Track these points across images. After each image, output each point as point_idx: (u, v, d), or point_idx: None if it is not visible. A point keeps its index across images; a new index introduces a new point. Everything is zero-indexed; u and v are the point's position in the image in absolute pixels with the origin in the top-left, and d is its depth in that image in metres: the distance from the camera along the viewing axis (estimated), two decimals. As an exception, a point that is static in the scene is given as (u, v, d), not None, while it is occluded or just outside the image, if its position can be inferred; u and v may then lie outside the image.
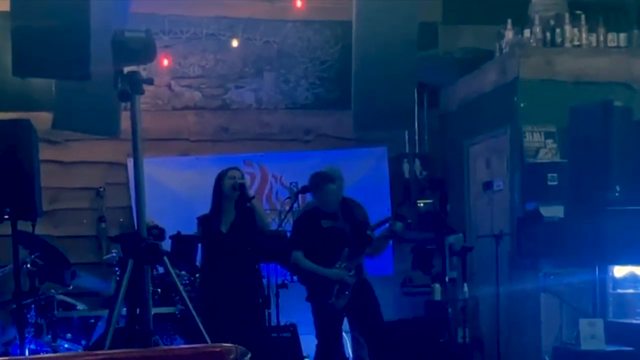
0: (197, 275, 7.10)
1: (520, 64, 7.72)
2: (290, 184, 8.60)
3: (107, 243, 8.37)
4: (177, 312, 6.94)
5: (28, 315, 6.67)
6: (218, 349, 3.37)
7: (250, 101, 9.15)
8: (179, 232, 7.28)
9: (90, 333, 7.12)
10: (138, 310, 4.62)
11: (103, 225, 8.57)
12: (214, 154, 8.76)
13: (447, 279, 7.56)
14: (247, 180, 7.48)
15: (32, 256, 6.73)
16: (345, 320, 6.90)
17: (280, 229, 7.48)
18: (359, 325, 6.87)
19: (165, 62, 8.78)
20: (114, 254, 7.27)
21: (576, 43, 7.84)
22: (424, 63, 8.19)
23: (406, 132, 9.12)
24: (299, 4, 8.78)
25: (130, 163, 7.56)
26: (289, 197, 8.25)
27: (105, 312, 7.02)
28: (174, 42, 8.85)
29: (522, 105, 7.72)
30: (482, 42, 8.60)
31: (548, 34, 7.85)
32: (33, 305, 6.75)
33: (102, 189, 8.61)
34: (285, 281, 7.56)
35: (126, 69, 4.38)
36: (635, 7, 8.43)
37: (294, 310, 7.32)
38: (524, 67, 7.72)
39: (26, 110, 7.68)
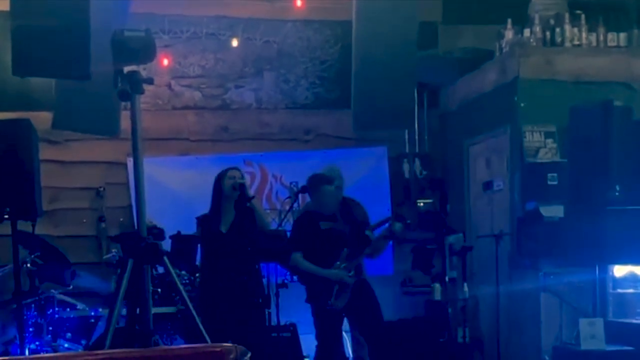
0: (197, 275, 7.09)
1: (520, 64, 7.72)
2: (290, 183, 8.60)
3: (107, 243, 8.38)
4: (177, 313, 6.94)
5: (28, 315, 6.67)
6: (218, 349, 3.37)
7: (250, 101, 9.15)
8: (179, 232, 7.28)
9: (90, 333, 7.12)
10: (138, 310, 4.62)
11: (103, 225, 8.57)
12: (213, 153, 8.76)
13: (447, 278, 7.56)
14: (247, 180, 7.48)
15: (32, 256, 6.72)
16: (346, 320, 6.90)
17: (280, 228, 7.48)
18: (359, 325, 6.87)
19: (165, 62, 8.78)
20: (114, 254, 7.27)
21: (576, 43, 7.84)
22: (424, 63, 8.19)
23: (406, 132, 9.12)
24: (299, 3, 8.78)
25: (130, 163, 7.56)
26: (289, 197, 8.25)
27: (105, 312, 7.03)
28: (174, 41, 8.85)
29: (522, 105, 7.72)
30: (482, 42, 8.60)
31: (548, 34, 7.85)
32: (33, 305, 6.74)
33: (102, 189, 8.60)
34: (285, 281, 7.56)
35: (126, 69, 4.38)
36: (635, 7, 8.43)
37: (294, 310, 7.32)
38: (524, 67, 7.72)
39: (26, 110, 7.68)
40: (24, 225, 6.14)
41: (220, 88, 9.08)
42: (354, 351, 7.26)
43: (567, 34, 7.81)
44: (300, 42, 9.17)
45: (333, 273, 6.60)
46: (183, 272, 7.16)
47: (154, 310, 4.93)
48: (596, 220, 6.68)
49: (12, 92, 8.11)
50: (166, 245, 6.54)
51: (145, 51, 4.38)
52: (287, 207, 7.83)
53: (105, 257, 7.52)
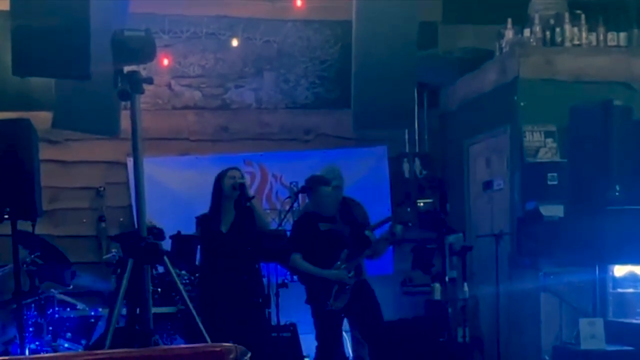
0: (197, 274, 7.09)
1: (520, 64, 7.72)
2: (290, 183, 8.61)
3: (107, 242, 8.38)
4: (177, 313, 6.94)
5: (28, 315, 6.67)
6: (218, 349, 3.37)
7: (250, 101, 9.14)
8: (179, 232, 7.28)
9: (90, 332, 7.12)
10: (138, 309, 4.62)
11: (103, 224, 8.57)
12: (213, 153, 8.76)
13: (447, 278, 7.55)
14: (247, 180, 7.48)
15: (32, 256, 6.72)
16: (346, 320, 6.90)
17: (280, 228, 7.48)
18: (359, 325, 6.87)
19: (165, 62, 8.78)
20: (114, 254, 7.27)
21: (576, 42, 7.84)
22: (424, 63, 8.18)
23: (406, 132, 9.12)
24: (299, 3, 8.77)
25: (130, 162, 7.58)
26: (289, 197, 8.26)
27: (105, 312, 7.03)
28: (174, 41, 8.85)
29: (522, 104, 7.72)
30: (482, 42, 8.60)
31: (548, 34, 7.85)
32: (33, 305, 6.74)
33: (102, 189, 8.60)
34: (285, 280, 7.56)
35: (126, 69, 4.38)
36: (635, 7, 8.42)
37: (294, 309, 7.32)
38: (524, 67, 7.72)
39: (26, 110, 7.68)
40: (24, 225, 6.14)
41: (220, 88, 9.08)
42: (354, 351, 7.26)
43: (567, 33, 7.81)
44: (300, 42, 9.17)
45: (332, 273, 6.60)
46: (183, 272, 7.16)
47: (154, 310, 4.92)
48: (596, 220, 6.68)
49: (12, 92, 8.11)
50: (166, 245, 6.54)
51: (145, 51, 4.38)
52: (287, 207, 7.83)
53: (105, 257, 7.52)
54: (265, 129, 9.10)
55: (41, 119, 7.29)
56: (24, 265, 6.56)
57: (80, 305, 7.23)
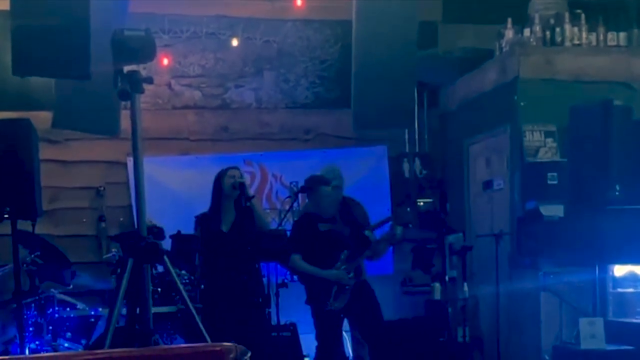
0: (196, 274, 7.09)
1: (520, 63, 7.72)
2: (290, 183, 8.60)
3: (107, 242, 8.37)
4: (177, 312, 6.94)
5: (28, 315, 6.66)
6: (218, 348, 3.37)
7: (250, 100, 9.14)
8: (179, 232, 7.27)
9: (90, 332, 7.11)
10: (138, 309, 4.62)
11: (103, 224, 8.56)
12: (213, 153, 8.76)
13: (447, 278, 7.56)
14: (247, 179, 7.48)
15: (32, 255, 6.72)
16: (346, 320, 6.90)
17: (280, 228, 7.48)
18: (359, 326, 6.87)
19: (165, 61, 8.77)
20: (114, 253, 7.26)
21: (576, 42, 7.84)
22: (424, 62, 8.18)
23: (406, 132, 9.12)
24: (298, 3, 8.77)
25: (130, 162, 7.58)
26: (289, 197, 8.25)
27: (105, 312, 7.03)
28: (174, 41, 8.85)
29: (522, 104, 7.72)
30: (482, 42, 8.60)
31: (548, 33, 7.86)
32: (33, 305, 6.74)
33: (102, 188, 8.60)
34: (286, 280, 7.56)
35: (126, 68, 4.38)
36: (635, 6, 8.42)
37: (294, 309, 7.32)
38: (524, 66, 7.72)
39: (26, 110, 7.68)
40: (24, 225, 6.14)
41: (220, 87, 9.08)
42: (354, 350, 7.26)
43: (567, 33, 7.82)
44: (300, 42, 9.17)
45: (332, 274, 6.60)
46: (183, 272, 7.15)
47: (154, 309, 4.92)
48: (596, 219, 6.68)
49: (12, 92, 8.11)
50: (166, 245, 6.53)
51: (145, 51, 4.38)
52: (287, 207, 7.83)
53: (105, 256, 7.51)
54: (265, 129, 9.09)
55: (41, 119, 7.29)
56: (24, 265, 6.55)
57: (80, 305, 7.23)
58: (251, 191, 7.16)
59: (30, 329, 6.67)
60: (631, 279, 7.22)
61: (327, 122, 9.13)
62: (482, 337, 8.24)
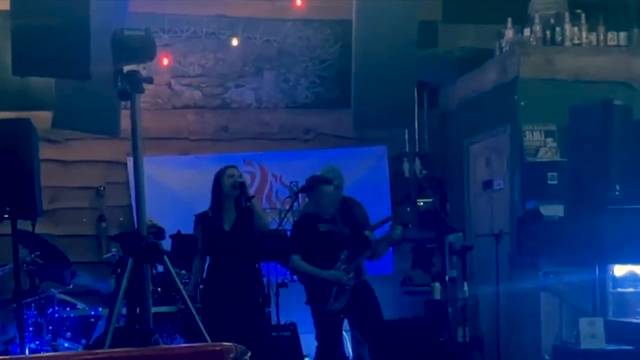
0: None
1: (520, 63, 7.72)
2: (290, 183, 8.60)
3: (107, 242, 8.38)
4: (177, 312, 6.94)
5: (28, 314, 6.67)
6: (218, 348, 3.36)
7: (250, 100, 9.14)
8: (179, 232, 7.27)
9: (90, 332, 7.12)
10: (138, 309, 4.62)
11: (103, 224, 8.57)
12: (213, 153, 8.76)
13: (447, 278, 7.56)
14: (247, 178, 7.48)
15: (32, 255, 6.73)
16: (346, 319, 6.90)
17: (280, 228, 7.48)
18: (360, 326, 6.87)
19: (165, 61, 8.78)
20: (114, 253, 7.27)
21: (576, 42, 7.84)
22: (424, 62, 8.18)
23: (406, 131, 9.12)
24: (298, 2, 8.77)
25: (130, 162, 7.58)
26: (289, 196, 8.25)
27: (105, 312, 7.03)
28: (174, 41, 8.85)
29: (522, 104, 7.72)
30: (482, 41, 8.60)
31: (548, 33, 7.85)
32: (33, 304, 6.74)
33: (102, 188, 8.60)
34: (286, 280, 7.56)
35: (126, 68, 4.38)
36: (635, 6, 8.42)
37: (294, 309, 7.32)
38: (524, 66, 7.72)
39: (26, 110, 7.68)
40: (24, 225, 6.14)
41: (220, 87, 9.08)
42: (354, 350, 7.26)
43: (567, 33, 7.82)
44: (300, 42, 9.17)
45: (331, 274, 6.59)
46: (183, 272, 7.16)
47: (154, 309, 4.92)
48: (596, 219, 6.68)
49: (12, 92, 8.11)
50: (166, 244, 6.54)
51: (145, 50, 4.38)
52: (287, 207, 7.83)
53: (105, 256, 7.52)
54: (265, 129, 9.10)
55: (41, 118, 7.29)
56: (24, 265, 6.56)
57: (80, 305, 7.23)
58: (251, 191, 7.16)
59: (30, 328, 6.67)
60: (631, 278, 7.22)
61: (327, 122, 9.13)
62: (482, 337, 8.24)
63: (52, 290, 6.97)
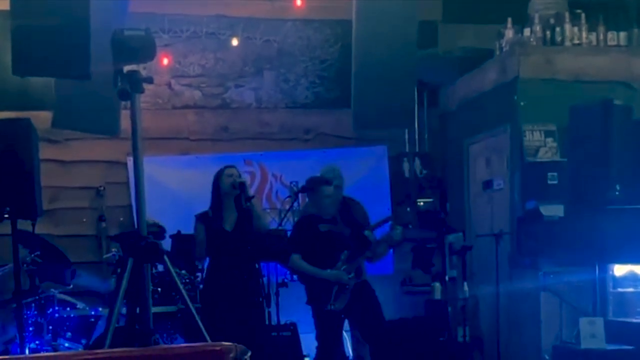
0: (197, 274, 7.09)
1: (520, 63, 7.72)
2: (290, 183, 8.60)
3: (107, 242, 8.37)
4: (177, 312, 6.94)
5: (28, 314, 6.67)
6: (218, 348, 3.36)
7: (250, 100, 9.14)
8: (179, 232, 7.27)
9: (90, 332, 7.12)
10: (138, 309, 4.62)
11: (103, 224, 8.57)
12: (213, 153, 8.76)
13: (447, 278, 7.56)
14: (247, 178, 7.47)
15: (32, 255, 6.72)
16: (346, 319, 6.90)
17: (280, 228, 7.48)
18: (360, 326, 6.87)
19: (165, 61, 8.78)
20: (114, 253, 7.26)
21: (576, 42, 7.84)
22: (424, 62, 8.19)
23: (406, 131, 9.12)
24: (298, 2, 8.77)
25: (130, 162, 7.58)
26: (289, 196, 8.25)
27: (105, 311, 7.03)
28: (174, 41, 8.85)
29: (522, 104, 7.72)
30: (482, 41, 8.60)
31: (548, 33, 7.85)
32: (33, 304, 6.74)
33: (102, 188, 8.60)
34: (286, 280, 7.56)
35: (126, 68, 4.37)
36: (635, 6, 8.43)
37: (294, 309, 7.32)
38: (524, 66, 7.72)
39: (26, 110, 7.68)
40: (24, 225, 6.14)
41: (220, 87, 9.08)
42: (354, 350, 7.27)
43: (567, 33, 7.82)
44: (300, 42, 9.17)
45: (332, 274, 6.59)
46: (183, 272, 7.16)
47: (154, 309, 4.92)
48: (596, 219, 6.68)
49: (12, 91, 8.11)
50: (166, 244, 6.53)
51: (145, 50, 4.37)
52: (287, 207, 7.83)
53: (105, 256, 7.52)
54: (265, 129, 9.10)
55: (41, 118, 7.30)
56: (24, 265, 6.55)
57: (80, 305, 7.23)
58: (251, 191, 7.16)
59: (30, 328, 6.67)
60: (631, 278, 7.22)
61: (327, 122, 9.13)
62: (482, 337, 8.24)
63: (52, 290, 6.97)
